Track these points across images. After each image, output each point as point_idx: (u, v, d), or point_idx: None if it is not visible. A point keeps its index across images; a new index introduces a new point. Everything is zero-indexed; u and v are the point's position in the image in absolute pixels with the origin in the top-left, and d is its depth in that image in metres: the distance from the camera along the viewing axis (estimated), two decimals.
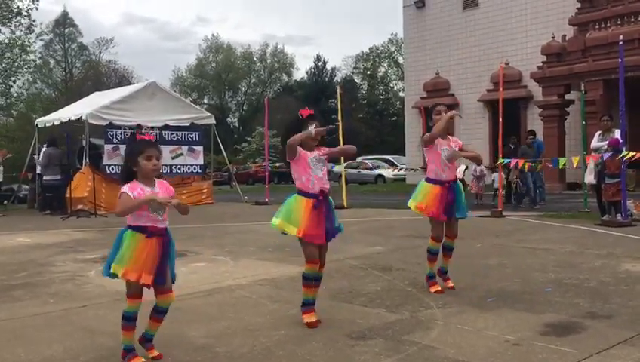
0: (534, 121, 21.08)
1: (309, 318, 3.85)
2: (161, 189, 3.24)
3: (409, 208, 4.77)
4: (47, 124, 16.17)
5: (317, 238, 3.78)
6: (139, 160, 3.18)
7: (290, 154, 3.79)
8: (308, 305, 3.91)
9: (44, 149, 14.50)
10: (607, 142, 9.66)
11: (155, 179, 3.26)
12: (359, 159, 33.79)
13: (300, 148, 3.81)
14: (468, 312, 4.09)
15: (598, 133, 10.46)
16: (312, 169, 3.81)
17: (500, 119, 11.40)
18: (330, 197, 3.92)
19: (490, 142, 23.58)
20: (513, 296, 4.55)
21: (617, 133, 9.57)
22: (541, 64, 20.16)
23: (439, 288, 4.68)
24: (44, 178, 14.09)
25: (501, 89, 11.87)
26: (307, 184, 3.80)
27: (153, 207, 3.16)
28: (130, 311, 3.21)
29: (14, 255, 7.47)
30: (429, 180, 4.68)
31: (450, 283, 4.79)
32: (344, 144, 14.23)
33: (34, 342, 3.71)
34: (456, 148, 4.67)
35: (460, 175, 13.65)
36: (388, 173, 29.01)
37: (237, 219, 11.85)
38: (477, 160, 4.98)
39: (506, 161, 11.83)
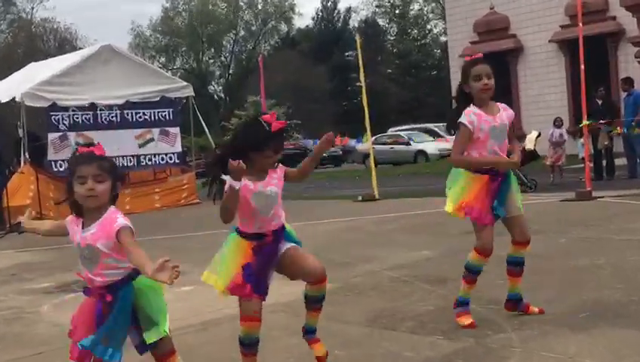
0: (628, 65, 20.89)
1: None
2: (98, 230, 2.98)
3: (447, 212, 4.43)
4: None
5: (250, 294, 3.53)
6: (73, 183, 2.99)
7: (227, 216, 3.58)
8: None
9: None
10: None
11: (113, 210, 3.00)
12: (390, 131, 33.74)
13: (236, 183, 3.40)
14: (554, 334, 4.11)
15: None
16: (257, 208, 3.58)
17: (582, 66, 11.31)
18: (288, 227, 3.71)
19: (569, 96, 23.41)
20: (614, 308, 4.56)
21: None
22: None
23: (471, 321, 4.31)
24: None
25: (580, 24, 11.75)
26: (249, 226, 3.63)
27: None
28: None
29: None
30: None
31: (535, 309, 4.50)
32: (369, 111, 14.31)
33: None
34: (507, 121, 4.33)
35: (530, 145, 13.57)
36: (431, 147, 28.96)
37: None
38: None
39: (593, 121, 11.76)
